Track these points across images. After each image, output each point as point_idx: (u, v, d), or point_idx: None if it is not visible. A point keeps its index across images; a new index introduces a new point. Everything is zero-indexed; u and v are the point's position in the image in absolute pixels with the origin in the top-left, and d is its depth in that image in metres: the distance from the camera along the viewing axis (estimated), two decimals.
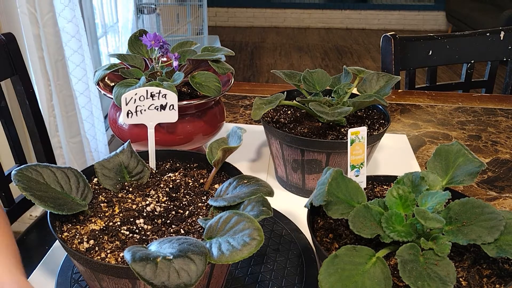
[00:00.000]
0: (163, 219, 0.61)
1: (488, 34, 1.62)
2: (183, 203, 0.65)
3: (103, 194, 0.66)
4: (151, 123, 0.74)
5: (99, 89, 0.89)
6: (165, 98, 0.73)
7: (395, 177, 0.63)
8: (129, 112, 0.72)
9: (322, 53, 5.03)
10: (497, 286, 0.53)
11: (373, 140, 0.84)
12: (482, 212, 0.54)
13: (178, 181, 0.70)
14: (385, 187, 0.72)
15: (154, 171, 0.73)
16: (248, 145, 1.11)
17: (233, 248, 0.48)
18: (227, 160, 0.69)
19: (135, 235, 0.58)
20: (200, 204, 0.65)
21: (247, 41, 5.48)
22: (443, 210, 0.57)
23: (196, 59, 0.88)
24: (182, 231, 0.59)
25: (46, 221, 0.57)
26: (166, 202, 0.65)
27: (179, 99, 0.80)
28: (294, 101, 0.90)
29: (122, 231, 0.58)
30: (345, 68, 0.95)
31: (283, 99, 0.87)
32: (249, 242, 0.49)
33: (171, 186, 0.68)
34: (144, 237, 0.58)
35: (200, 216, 0.62)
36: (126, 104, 0.72)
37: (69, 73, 1.80)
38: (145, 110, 0.73)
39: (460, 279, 0.54)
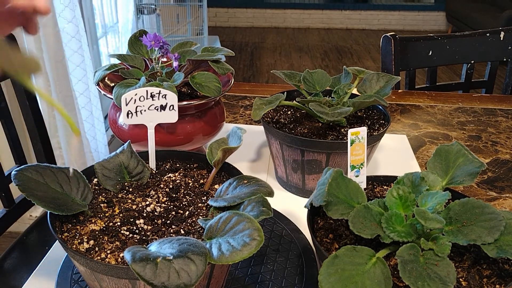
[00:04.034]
0: (163, 220, 0.61)
1: (488, 34, 1.62)
2: (183, 203, 0.65)
3: (103, 194, 0.66)
4: (151, 124, 0.74)
5: (99, 89, 0.89)
6: (165, 99, 0.73)
7: (395, 177, 0.63)
8: (129, 112, 0.72)
9: (322, 54, 5.04)
10: (497, 286, 0.53)
11: (373, 140, 0.84)
12: (482, 212, 0.54)
13: (178, 181, 0.70)
14: (385, 187, 0.72)
15: (154, 172, 0.73)
16: (248, 145, 1.11)
17: (233, 249, 0.48)
18: (227, 160, 0.69)
19: (135, 236, 0.58)
20: (200, 205, 0.65)
21: (247, 41, 5.48)
22: (443, 211, 0.57)
23: (196, 60, 0.89)
24: (182, 232, 0.59)
25: (46, 221, 0.57)
26: (166, 203, 0.65)
27: (179, 100, 0.80)
28: (294, 101, 0.90)
29: (122, 232, 0.58)
30: (345, 69, 0.95)
31: (283, 100, 0.87)
32: (249, 243, 0.49)
33: (171, 186, 0.68)
34: (144, 238, 0.58)
35: (200, 217, 0.62)
36: (126, 105, 0.72)
37: (69, 73, 1.80)
38: (145, 110, 0.73)
39: (460, 279, 0.54)
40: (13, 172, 0.58)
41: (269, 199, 0.59)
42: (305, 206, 0.61)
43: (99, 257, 0.54)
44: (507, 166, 1.07)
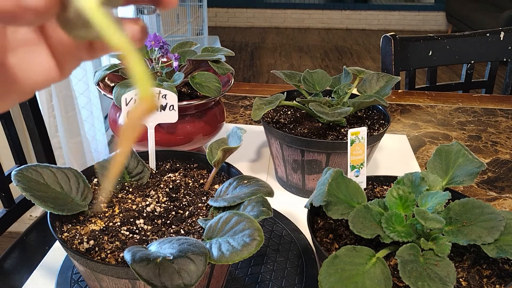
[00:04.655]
0: (163, 220, 0.61)
1: (488, 34, 1.62)
2: (183, 203, 0.65)
3: (103, 194, 0.66)
4: (151, 124, 0.74)
5: (99, 89, 0.89)
6: (165, 99, 0.73)
7: (395, 177, 0.63)
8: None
9: (322, 54, 5.04)
10: (497, 286, 0.53)
11: (373, 140, 0.84)
12: (482, 212, 0.54)
13: (178, 181, 0.70)
14: (385, 187, 0.72)
15: (154, 172, 0.73)
16: (248, 145, 1.11)
17: (233, 249, 0.48)
18: (227, 160, 0.69)
19: (135, 236, 0.58)
20: (200, 205, 0.65)
21: (247, 41, 5.48)
22: (443, 211, 0.57)
23: (196, 60, 0.89)
24: (182, 232, 0.59)
25: (46, 221, 0.57)
26: (166, 203, 0.65)
27: (179, 100, 0.80)
28: (294, 101, 0.90)
29: (122, 232, 0.58)
30: (345, 69, 0.95)
31: (283, 100, 0.87)
32: (249, 243, 0.49)
33: (171, 186, 0.68)
34: (144, 238, 0.58)
35: (200, 217, 0.62)
36: (126, 105, 0.72)
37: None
38: None
39: (460, 279, 0.54)
40: (13, 172, 0.58)
41: (269, 199, 0.59)
42: (305, 206, 0.61)
43: (99, 257, 0.54)
44: (507, 166, 1.07)
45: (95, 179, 0.69)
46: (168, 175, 0.72)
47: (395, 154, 1.11)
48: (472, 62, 1.64)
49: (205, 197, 0.66)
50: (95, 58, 0.33)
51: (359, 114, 0.96)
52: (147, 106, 0.24)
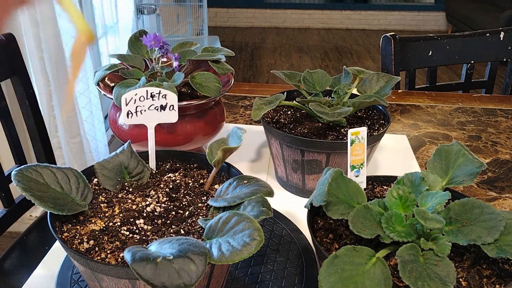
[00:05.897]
0: (163, 220, 0.61)
1: (488, 34, 1.62)
2: (183, 203, 0.65)
3: (103, 194, 0.66)
4: (151, 124, 0.74)
5: (99, 89, 0.89)
6: (165, 99, 0.73)
7: (395, 177, 0.63)
8: (129, 112, 0.72)
9: (322, 54, 5.04)
10: (497, 286, 0.53)
11: (373, 140, 0.84)
12: (482, 212, 0.54)
13: (178, 181, 0.70)
14: (385, 187, 0.72)
15: (154, 172, 0.73)
16: (248, 145, 1.11)
17: (233, 249, 0.48)
18: (227, 160, 0.69)
19: (135, 236, 0.58)
20: (200, 205, 0.65)
21: (247, 41, 5.48)
22: (443, 211, 0.57)
23: (196, 60, 0.89)
24: (182, 232, 0.59)
25: (46, 221, 0.57)
26: (166, 203, 0.65)
27: (179, 100, 0.80)
28: (294, 101, 0.90)
29: (122, 232, 0.58)
30: (345, 69, 0.95)
31: (283, 100, 0.87)
32: (249, 243, 0.49)
33: (171, 186, 0.68)
34: (144, 238, 0.58)
35: (200, 217, 0.62)
36: (126, 105, 0.72)
37: (69, 73, 1.80)
38: (145, 110, 0.73)
39: (460, 279, 0.54)
40: (13, 172, 0.58)
41: (269, 199, 0.59)
42: (305, 206, 0.61)
43: (99, 257, 0.54)
44: (507, 166, 1.07)
45: (95, 179, 0.69)
46: (168, 175, 0.72)
47: (395, 154, 1.11)
48: (472, 62, 1.64)
49: (205, 197, 0.66)
50: None
51: (359, 114, 0.96)
52: (86, 37, 0.28)
